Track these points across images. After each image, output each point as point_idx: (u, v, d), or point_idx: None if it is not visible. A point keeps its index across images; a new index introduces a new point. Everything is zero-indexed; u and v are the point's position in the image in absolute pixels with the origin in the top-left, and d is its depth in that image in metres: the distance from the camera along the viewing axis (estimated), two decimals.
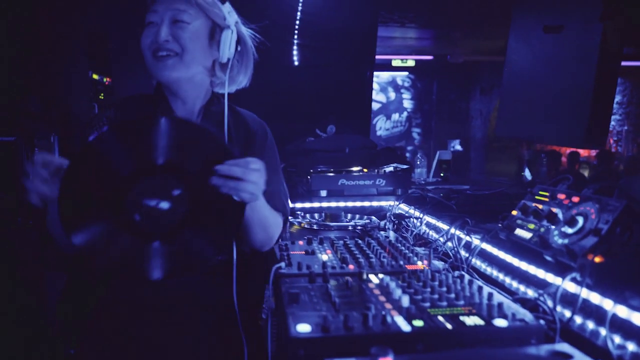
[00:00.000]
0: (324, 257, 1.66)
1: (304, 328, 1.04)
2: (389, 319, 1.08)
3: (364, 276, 1.41)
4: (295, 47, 3.82)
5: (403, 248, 1.73)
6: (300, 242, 1.87)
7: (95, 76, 3.95)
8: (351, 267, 1.54)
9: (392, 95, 9.33)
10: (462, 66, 8.24)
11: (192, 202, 1.20)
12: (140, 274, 1.21)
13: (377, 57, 6.66)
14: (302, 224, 2.24)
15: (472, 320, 1.08)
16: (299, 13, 3.70)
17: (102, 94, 4.08)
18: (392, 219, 2.34)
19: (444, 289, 1.28)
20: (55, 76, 3.69)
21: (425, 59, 8.28)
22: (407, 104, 9.23)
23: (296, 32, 3.77)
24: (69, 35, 3.81)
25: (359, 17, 4.05)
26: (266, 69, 3.95)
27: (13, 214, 3.17)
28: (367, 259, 1.61)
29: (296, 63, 3.86)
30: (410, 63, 8.40)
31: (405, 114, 9.32)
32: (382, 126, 9.37)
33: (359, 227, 2.17)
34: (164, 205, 1.18)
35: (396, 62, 8.40)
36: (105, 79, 4.15)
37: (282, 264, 1.53)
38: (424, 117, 9.15)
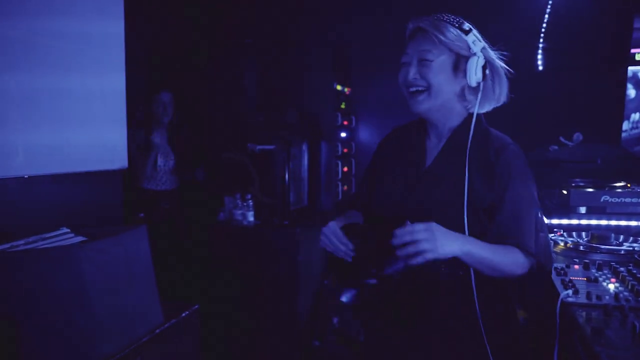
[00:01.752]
0: (611, 287, 1.56)
1: None
2: None
3: None
4: (540, 52, 3.64)
5: None
6: (576, 267, 1.78)
7: (338, 87, 4.25)
8: None
9: (632, 92, 8.35)
10: None
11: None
12: None
13: None
14: (568, 245, 2.13)
15: None
16: (546, 15, 3.51)
17: (343, 104, 4.37)
18: None
19: None
20: (308, 89, 4.06)
21: None
22: None
23: (542, 35, 3.59)
24: (317, 49, 4.15)
25: (610, 12, 3.71)
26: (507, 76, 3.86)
27: (272, 214, 3.58)
28: None
29: (540, 68, 3.68)
30: None
31: None
32: None
33: (636, 252, 1.98)
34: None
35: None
36: (345, 89, 4.43)
37: (569, 292, 1.48)
38: None
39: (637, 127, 8.74)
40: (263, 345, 3.40)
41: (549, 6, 3.45)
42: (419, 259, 1.29)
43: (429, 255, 1.29)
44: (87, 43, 2.39)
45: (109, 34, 2.53)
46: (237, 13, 4.13)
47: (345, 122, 4.39)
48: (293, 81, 4.04)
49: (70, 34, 2.31)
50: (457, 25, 1.52)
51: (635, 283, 1.57)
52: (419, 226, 1.31)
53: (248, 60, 4.11)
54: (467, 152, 1.51)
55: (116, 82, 2.59)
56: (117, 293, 1.81)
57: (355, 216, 1.74)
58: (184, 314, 2.29)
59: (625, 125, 8.92)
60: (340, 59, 4.31)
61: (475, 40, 1.52)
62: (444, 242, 1.31)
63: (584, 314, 1.34)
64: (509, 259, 1.42)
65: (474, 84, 1.53)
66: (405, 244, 1.29)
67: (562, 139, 3.62)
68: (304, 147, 3.92)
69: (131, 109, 2.72)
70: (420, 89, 1.54)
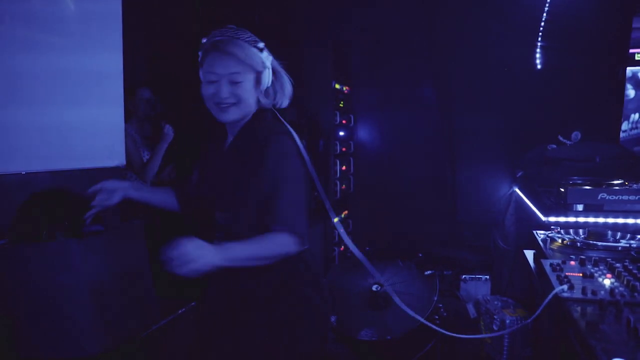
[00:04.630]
0: (606, 282, 1.57)
1: None
2: None
3: None
4: (538, 50, 3.65)
5: None
6: (572, 263, 1.78)
7: (337, 86, 4.25)
8: None
9: (632, 92, 8.35)
10: None
11: None
12: None
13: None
14: (565, 241, 2.13)
15: None
16: (544, 14, 3.52)
17: (342, 102, 4.37)
18: None
19: None
20: (307, 87, 4.06)
21: None
22: None
23: (540, 34, 3.59)
24: (317, 47, 4.15)
25: (610, 12, 3.72)
26: (505, 74, 3.86)
27: None
28: None
29: (539, 67, 3.68)
30: None
31: None
32: None
33: (634, 249, 1.99)
34: None
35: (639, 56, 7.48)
36: (344, 88, 4.43)
37: (565, 287, 1.48)
38: None
39: (636, 127, 8.75)
40: None
41: (547, 5, 3.45)
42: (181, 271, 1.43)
43: (185, 270, 1.43)
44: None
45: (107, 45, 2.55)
46: (236, 9, 4.12)
47: (344, 121, 4.39)
48: (292, 79, 4.04)
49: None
50: (254, 44, 1.76)
51: (631, 279, 1.57)
52: (179, 244, 1.45)
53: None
54: (237, 144, 1.79)
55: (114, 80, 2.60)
56: (113, 289, 1.82)
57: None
58: (180, 311, 2.30)
59: (625, 126, 8.91)
60: (340, 57, 4.32)
61: (267, 56, 1.79)
62: (198, 257, 1.45)
63: (579, 308, 1.34)
64: (266, 245, 1.61)
65: (264, 89, 1.81)
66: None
67: (560, 137, 3.63)
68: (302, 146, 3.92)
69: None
70: (230, 103, 1.75)
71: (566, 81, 3.80)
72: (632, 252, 1.93)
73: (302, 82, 4.05)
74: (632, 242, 2.11)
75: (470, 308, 3.63)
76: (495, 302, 3.46)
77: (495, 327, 3.28)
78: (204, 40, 1.78)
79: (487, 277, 3.91)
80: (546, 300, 1.50)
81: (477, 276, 3.89)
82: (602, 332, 1.17)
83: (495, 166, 3.99)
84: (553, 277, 1.60)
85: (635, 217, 2.48)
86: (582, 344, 1.17)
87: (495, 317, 3.29)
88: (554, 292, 1.46)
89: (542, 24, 3.53)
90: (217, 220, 1.79)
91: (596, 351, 1.07)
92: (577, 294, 1.45)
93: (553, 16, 3.54)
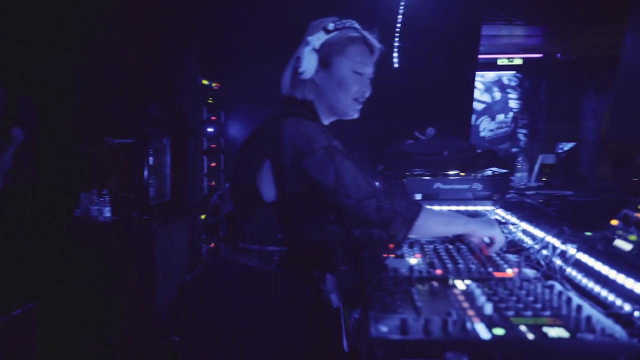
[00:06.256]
0: (413, 261, 1.68)
1: (383, 329, 1.08)
2: (468, 325, 1.09)
3: (450, 282, 1.42)
4: (395, 50, 3.83)
5: (494, 255, 1.70)
6: (391, 245, 1.90)
7: (205, 82, 4.22)
8: (438, 271, 1.54)
9: (498, 95, 9.00)
10: (574, 63, 7.76)
11: None
12: None
13: (482, 56, 6.47)
14: None
15: (556, 332, 1.06)
16: (400, 16, 3.70)
17: (210, 99, 4.34)
18: None
19: (531, 298, 1.26)
20: (172, 82, 3.98)
21: (534, 57, 7.91)
22: (514, 104, 8.87)
23: (397, 34, 3.78)
24: (184, 43, 4.08)
25: (462, 18, 3.98)
26: None
27: (131, 209, 3.48)
28: (455, 265, 1.61)
29: (396, 66, 3.87)
30: (518, 61, 8.06)
31: (511, 114, 8.96)
32: (485, 127, 9.08)
33: None
34: None
35: (502, 61, 8.09)
36: (213, 84, 4.41)
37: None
38: (531, 117, 8.75)
39: (502, 127, 9.42)
40: (121, 341, 3.31)
41: (401, 7, 3.63)
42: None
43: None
44: None
45: None
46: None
47: (213, 117, 4.37)
48: (158, 74, 3.95)
49: None
50: None
51: (435, 258, 1.70)
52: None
53: (112, 52, 3.95)
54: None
55: None
56: None
57: None
58: (15, 312, 2.18)
59: (492, 125, 9.56)
60: (209, 53, 4.28)
61: None
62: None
63: (375, 283, 1.43)
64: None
65: None
66: None
67: (416, 133, 3.84)
68: (166, 142, 3.85)
69: None
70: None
71: (422, 80, 4.01)
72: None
73: (166, 76, 3.98)
74: None
75: (334, 298, 3.74)
76: None
77: (356, 315, 3.40)
78: (342, 25, 1.68)
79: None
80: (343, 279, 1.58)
81: (342, 268, 4.00)
82: (383, 304, 1.25)
83: (359, 161, 4.13)
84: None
85: (467, 204, 2.69)
86: (363, 316, 1.25)
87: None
88: None
89: (398, 25, 3.70)
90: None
91: (369, 320, 1.15)
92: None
93: (407, 18, 3.73)
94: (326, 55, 1.68)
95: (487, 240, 1.62)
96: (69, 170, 3.61)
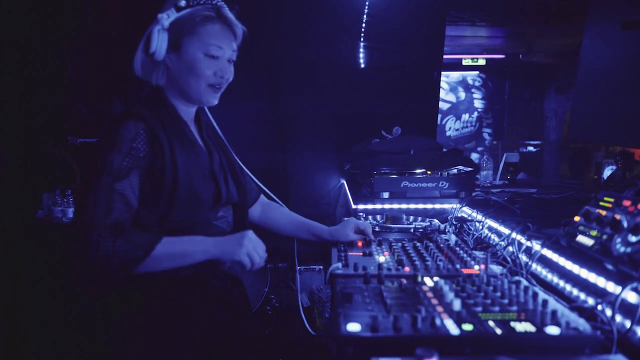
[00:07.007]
0: (381, 259, 1.69)
1: (353, 327, 1.08)
2: (438, 321, 1.10)
3: (419, 279, 1.42)
4: (361, 50, 3.84)
5: (461, 252, 1.72)
6: (360, 244, 1.90)
7: None
8: (407, 269, 1.55)
9: (462, 95, 9.14)
10: (536, 64, 7.96)
11: None
12: None
13: (447, 56, 6.54)
14: None
15: (523, 327, 1.08)
16: (365, 16, 3.72)
17: None
18: (454, 222, 2.32)
19: (498, 294, 1.28)
20: (133, 80, 3.89)
21: (497, 58, 8.06)
22: (478, 103, 9.02)
23: (362, 34, 3.79)
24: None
25: (426, 18, 4.02)
26: (334, 72, 4.00)
27: None
28: (423, 262, 1.62)
29: (362, 65, 3.88)
30: (481, 62, 8.20)
31: (475, 114, 9.11)
32: (451, 127, 9.21)
33: (419, 230, 2.17)
34: None
35: (466, 62, 8.22)
36: None
37: (339, 265, 1.58)
38: (495, 117, 8.92)
39: (467, 127, 9.56)
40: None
41: (366, 7, 3.64)
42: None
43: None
44: None
45: None
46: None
47: None
48: (120, 72, 3.86)
49: None
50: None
51: (404, 255, 1.71)
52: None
53: (75, 49, 3.85)
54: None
55: None
56: None
57: None
58: None
59: (458, 125, 9.70)
60: None
61: None
62: None
63: (344, 282, 1.43)
64: None
65: None
66: None
67: (383, 132, 3.86)
68: None
69: None
70: (224, 86, 1.64)
71: (389, 80, 4.03)
72: (414, 231, 2.11)
73: (127, 74, 3.89)
74: (423, 223, 2.30)
75: (304, 297, 3.73)
76: (328, 291, 3.59)
77: (327, 315, 3.40)
78: (195, 1, 1.52)
79: (321, 267, 4.04)
80: (326, 278, 1.58)
81: (311, 267, 4.00)
82: (353, 301, 1.25)
83: (327, 160, 4.12)
84: (335, 258, 1.70)
85: (433, 203, 2.72)
86: (334, 312, 1.25)
87: (327, 304, 3.41)
88: (329, 270, 1.54)
89: (364, 25, 3.71)
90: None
91: (339, 317, 1.14)
92: (349, 270, 1.55)
93: (372, 18, 3.74)
94: (176, 36, 1.55)
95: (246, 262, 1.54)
96: (31, 170, 3.50)
